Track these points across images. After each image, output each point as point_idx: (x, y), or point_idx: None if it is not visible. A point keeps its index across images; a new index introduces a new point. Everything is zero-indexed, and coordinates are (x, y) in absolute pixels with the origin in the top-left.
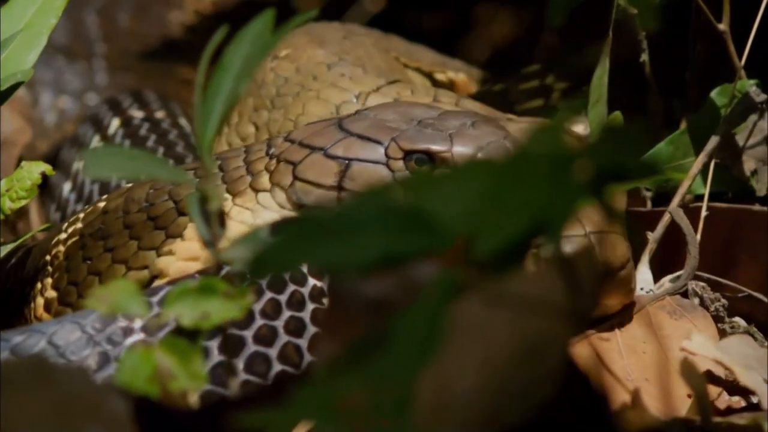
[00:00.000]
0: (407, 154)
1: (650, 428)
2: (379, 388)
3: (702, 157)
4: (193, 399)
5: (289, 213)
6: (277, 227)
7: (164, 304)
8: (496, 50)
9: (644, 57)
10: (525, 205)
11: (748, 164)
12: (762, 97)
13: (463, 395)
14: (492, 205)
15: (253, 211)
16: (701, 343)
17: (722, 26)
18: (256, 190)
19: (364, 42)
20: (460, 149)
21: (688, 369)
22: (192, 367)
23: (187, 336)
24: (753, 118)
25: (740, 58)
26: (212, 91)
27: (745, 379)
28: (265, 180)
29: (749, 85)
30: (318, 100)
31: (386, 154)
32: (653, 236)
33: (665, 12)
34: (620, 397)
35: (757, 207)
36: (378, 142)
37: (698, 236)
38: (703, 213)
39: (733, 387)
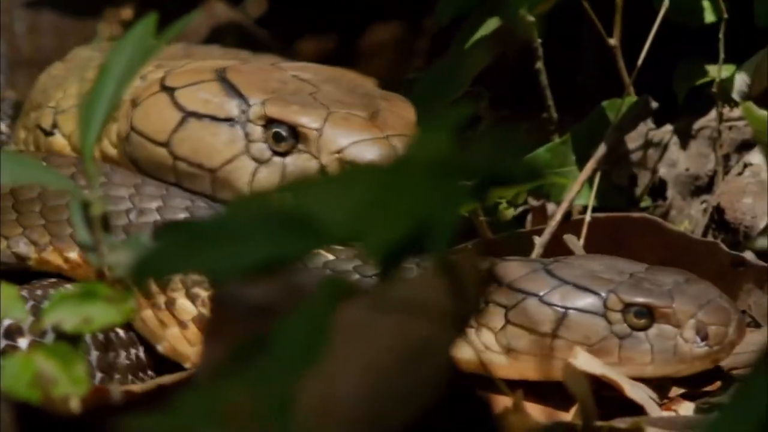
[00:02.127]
0: (627, 307)
1: None
2: (261, 393)
3: (591, 164)
4: (75, 404)
5: (496, 355)
6: (158, 232)
7: (45, 309)
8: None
9: (539, 64)
10: (408, 210)
11: (628, 170)
12: (654, 104)
13: (346, 399)
14: (376, 210)
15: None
16: (587, 359)
17: (613, 41)
18: None
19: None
20: (683, 306)
21: (571, 373)
22: (74, 372)
23: (69, 341)
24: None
25: (631, 72)
26: (94, 94)
27: (631, 393)
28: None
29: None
30: (80, 80)
31: (605, 306)
32: (539, 241)
33: (558, 21)
34: (503, 401)
35: (635, 213)
36: (596, 293)
37: (581, 241)
38: (587, 219)
39: None
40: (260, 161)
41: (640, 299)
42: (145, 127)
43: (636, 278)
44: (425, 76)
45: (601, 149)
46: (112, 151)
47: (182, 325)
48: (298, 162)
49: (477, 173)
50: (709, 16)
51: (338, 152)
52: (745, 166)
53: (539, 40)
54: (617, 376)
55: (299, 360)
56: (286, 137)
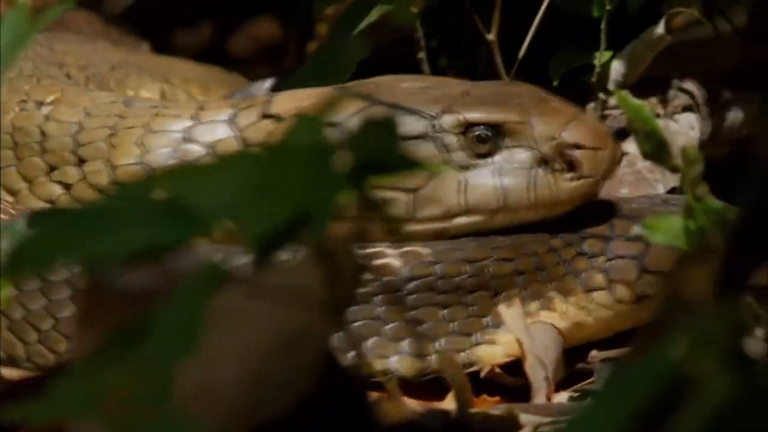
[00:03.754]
0: None
1: (407, 419)
2: (139, 378)
3: None
4: None
5: (623, 308)
6: (33, 220)
7: None
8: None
9: (422, 55)
10: (286, 196)
11: None
12: None
13: (224, 386)
14: (254, 196)
15: (589, 311)
16: (514, 316)
17: (491, 36)
18: (589, 290)
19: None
20: None
21: (446, 362)
22: None
23: None
24: None
25: (513, 66)
26: None
27: (530, 369)
28: (599, 278)
29: None
30: (153, 133)
31: None
32: None
33: (443, 12)
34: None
35: None
36: None
37: None
38: None
39: None
40: (466, 168)
41: None
42: None
43: None
44: (304, 66)
45: None
46: None
47: None
48: (514, 157)
49: (354, 161)
50: (597, 10)
51: (555, 138)
52: (622, 155)
53: (422, 31)
54: (528, 347)
55: (176, 346)
56: (490, 138)
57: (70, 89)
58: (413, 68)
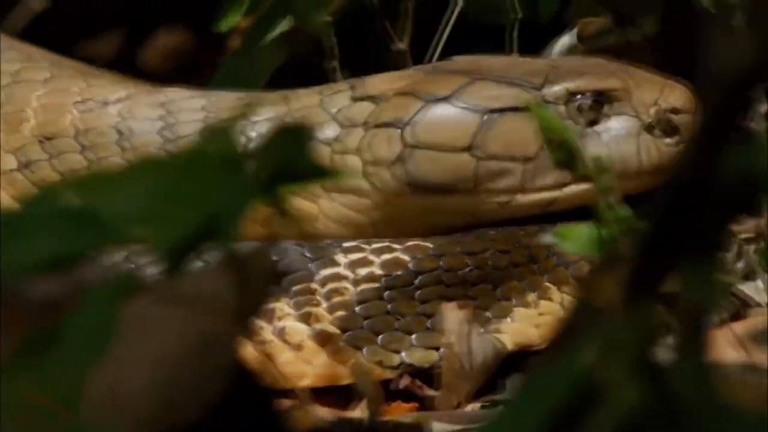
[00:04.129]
0: None
1: (317, 427)
2: (48, 387)
3: None
4: None
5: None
6: None
7: None
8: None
9: (334, 63)
10: (197, 205)
11: None
12: None
13: (135, 393)
14: (165, 205)
15: None
16: (455, 320)
17: (402, 45)
18: (579, 280)
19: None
20: None
21: (357, 369)
22: None
23: None
24: None
25: None
26: None
27: (446, 374)
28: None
29: None
30: (252, 123)
31: None
32: None
33: (354, 20)
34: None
35: None
36: None
37: None
38: None
39: None
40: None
41: None
42: (438, 139)
43: None
44: (217, 73)
45: None
46: (365, 186)
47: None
48: (621, 125)
49: (267, 169)
50: (506, 18)
51: (655, 104)
52: None
53: (334, 39)
54: (458, 355)
55: (86, 354)
56: (593, 106)
57: (137, 86)
58: (328, 76)
